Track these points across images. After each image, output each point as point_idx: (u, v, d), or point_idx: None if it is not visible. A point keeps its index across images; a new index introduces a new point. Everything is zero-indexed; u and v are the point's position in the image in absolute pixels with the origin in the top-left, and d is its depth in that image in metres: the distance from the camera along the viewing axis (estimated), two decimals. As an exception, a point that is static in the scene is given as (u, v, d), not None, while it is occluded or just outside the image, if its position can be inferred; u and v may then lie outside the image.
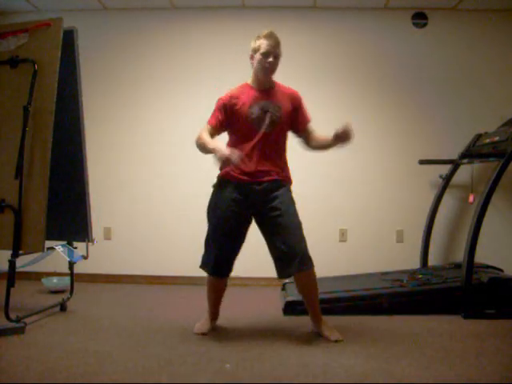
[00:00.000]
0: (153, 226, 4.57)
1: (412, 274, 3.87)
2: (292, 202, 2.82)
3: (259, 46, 2.74)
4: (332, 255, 4.41)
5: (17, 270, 2.87)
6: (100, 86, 4.55)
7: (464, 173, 4.34)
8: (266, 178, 2.77)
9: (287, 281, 3.79)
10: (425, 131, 4.50)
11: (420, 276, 3.76)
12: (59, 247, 3.27)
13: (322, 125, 4.56)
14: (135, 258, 4.56)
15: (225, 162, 2.59)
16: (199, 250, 4.45)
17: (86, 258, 3.39)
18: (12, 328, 2.80)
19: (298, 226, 2.76)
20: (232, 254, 2.86)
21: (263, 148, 2.77)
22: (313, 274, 2.79)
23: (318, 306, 2.87)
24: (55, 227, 3.17)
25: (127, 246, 4.57)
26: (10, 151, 2.96)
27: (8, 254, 2.87)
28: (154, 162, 4.61)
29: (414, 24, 4.56)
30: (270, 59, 2.72)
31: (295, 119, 2.88)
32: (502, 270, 3.93)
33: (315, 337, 2.83)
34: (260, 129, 2.76)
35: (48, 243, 3.04)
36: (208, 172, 4.52)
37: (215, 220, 2.83)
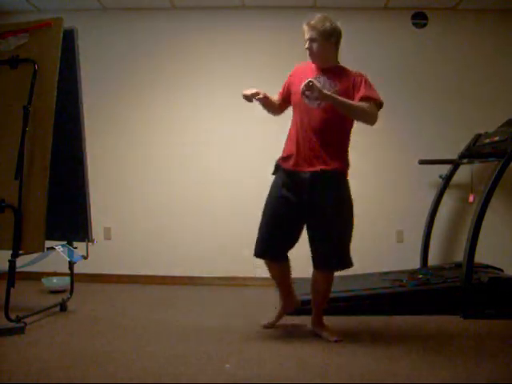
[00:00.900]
0: (153, 226, 4.57)
1: (412, 273, 3.87)
2: (338, 201, 2.72)
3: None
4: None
5: (17, 270, 2.87)
6: (100, 86, 4.55)
7: (464, 173, 4.34)
8: (312, 167, 2.69)
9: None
10: (425, 131, 4.49)
11: (420, 276, 3.76)
12: (59, 247, 3.27)
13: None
14: (135, 258, 4.55)
15: (248, 97, 2.69)
16: (199, 250, 4.48)
17: (86, 257, 3.39)
18: (12, 328, 2.80)
19: (339, 223, 2.71)
20: (280, 238, 2.79)
21: (315, 128, 2.69)
22: (330, 278, 2.80)
23: (322, 309, 2.89)
24: (55, 227, 3.18)
25: (127, 246, 4.56)
26: (10, 151, 2.96)
27: (8, 254, 2.87)
28: (154, 162, 4.60)
29: (413, 24, 4.56)
30: (306, 45, 2.77)
31: (352, 97, 2.72)
32: (501, 270, 3.93)
33: (315, 337, 2.83)
34: (311, 104, 2.71)
35: (48, 243, 3.05)
36: (208, 172, 4.57)
37: (266, 203, 2.83)
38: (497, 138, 3.72)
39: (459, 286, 3.36)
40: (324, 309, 2.91)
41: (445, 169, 4.32)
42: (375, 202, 4.50)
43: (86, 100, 3.44)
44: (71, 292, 3.54)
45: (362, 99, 2.68)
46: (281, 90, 2.93)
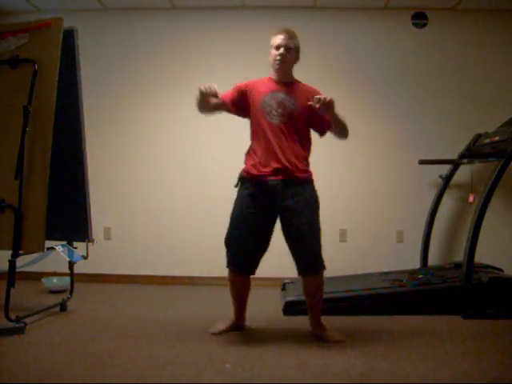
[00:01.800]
0: (153, 226, 4.57)
1: (412, 273, 3.87)
2: (309, 202, 2.78)
3: (273, 42, 2.81)
4: (332, 255, 4.39)
5: (17, 270, 2.87)
6: (100, 86, 4.55)
7: (464, 173, 4.34)
8: (281, 175, 2.73)
9: (287, 281, 3.80)
10: (425, 131, 4.50)
11: (420, 276, 3.76)
12: (59, 247, 3.27)
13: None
14: (135, 258, 4.55)
15: (203, 92, 2.62)
16: (199, 250, 4.48)
17: (86, 258, 3.39)
18: (12, 328, 2.81)
19: (309, 228, 2.73)
20: (253, 251, 2.81)
21: (278, 141, 2.74)
22: (318, 279, 2.80)
23: (318, 311, 2.87)
24: (55, 227, 3.18)
25: (127, 245, 4.56)
26: (10, 151, 2.96)
27: (8, 254, 2.87)
28: (154, 162, 4.60)
29: (413, 24, 4.56)
30: (281, 50, 2.76)
31: (313, 119, 2.82)
32: (501, 270, 3.93)
33: (315, 337, 2.83)
34: (273, 119, 2.75)
35: (48, 243, 3.04)
36: (208, 172, 4.57)
37: (233, 217, 2.83)
38: (497, 138, 3.72)
39: (459, 286, 3.36)
40: (322, 309, 2.89)
41: (445, 169, 4.32)
42: (375, 202, 4.51)
43: (86, 100, 3.44)
44: (71, 292, 3.54)
45: (328, 129, 2.85)
46: (230, 91, 2.84)
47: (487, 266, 3.91)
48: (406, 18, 4.55)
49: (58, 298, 3.49)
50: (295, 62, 2.85)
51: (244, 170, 2.84)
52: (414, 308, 3.40)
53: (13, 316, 2.85)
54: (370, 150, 4.53)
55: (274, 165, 2.73)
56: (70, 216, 3.43)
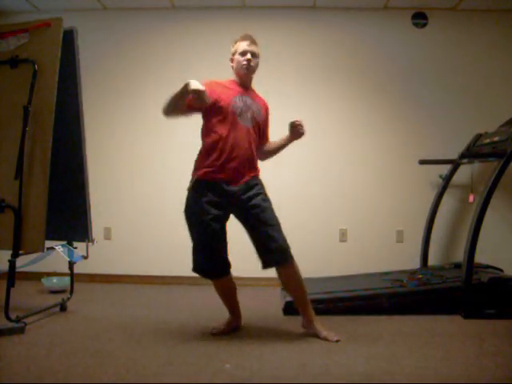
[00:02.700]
0: (153, 226, 4.57)
1: (412, 273, 3.87)
2: (268, 198, 2.86)
3: (237, 48, 2.86)
4: (332, 255, 4.41)
5: (17, 270, 2.87)
6: (100, 86, 4.55)
7: (464, 173, 4.34)
8: (243, 179, 2.78)
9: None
10: (425, 131, 4.50)
11: (420, 276, 3.76)
12: (59, 247, 3.27)
13: (322, 124, 4.58)
14: (135, 258, 4.56)
15: (195, 91, 2.59)
16: (199, 250, 4.47)
17: (86, 258, 3.39)
18: (12, 328, 2.81)
19: (277, 221, 2.80)
20: (223, 252, 2.84)
21: (244, 143, 2.78)
22: (294, 268, 2.79)
23: (308, 303, 2.85)
24: (55, 227, 3.17)
25: (127, 246, 4.57)
26: (10, 151, 2.96)
27: (8, 254, 2.87)
28: (154, 162, 4.61)
29: (413, 24, 4.56)
30: (248, 56, 2.81)
31: (263, 129, 2.97)
32: (501, 270, 3.93)
33: (315, 337, 2.82)
34: (243, 121, 2.78)
35: (48, 243, 3.04)
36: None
37: (198, 225, 2.78)
38: (497, 138, 3.72)
39: (459, 286, 3.36)
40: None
41: (445, 169, 4.32)
42: (375, 201, 4.51)
43: (86, 100, 3.44)
44: (71, 292, 3.55)
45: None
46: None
47: (487, 266, 3.92)
48: (406, 18, 4.56)
49: (58, 298, 3.49)
50: (256, 70, 2.91)
51: (203, 173, 2.79)
52: (414, 308, 3.40)
53: (13, 316, 2.85)
54: (370, 149, 4.53)
55: (241, 167, 2.76)
56: (70, 216, 3.44)
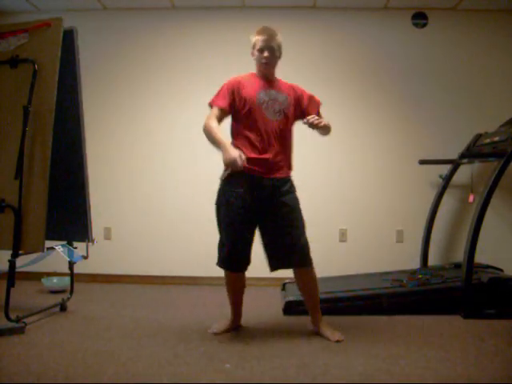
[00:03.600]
0: (153, 226, 4.57)
1: (412, 274, 3.87)
2: (298, 198, 2.84)
3: (255, 43, 2.83)
4: (332, 255, 4.41)
5: (17, 270, 2.87)
6: (100, 86, 4.55)
7: (464, 173, 4.34)
8: (277, 174, 2.77)
9: (287, 281, 3.79)
10: (425, 131, 4.50)
11: (420, 276, 3.76)
12: (59, 247, 3.27)
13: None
14: (135, 258, 4.56)
15: (232, 165, 2.53)
16: (199, 249, 4.47)
17: (86, 258, 3.39)
18: (12, 328, 2.81)
19: (304, 222, 2.81)
20: (248, 248, 2.81)
21: (275, 138, 2.76)
22: (314, 272, 2.84)
23: (318, 305, 2.90)
24: (55, 227, 3.18)
25: (127, 246, 4.57)
26: (10, 151, 2.96)
27: (8, 254, 2.87)
28: (154, 162, 4.60)
29: (413, 24, 4.56)
30: (266, 54, 2.79)
31: (302, 107, 2.89)
32: (501, 270, 3.93)
33: (315, 337, 2.83)
34: (270, 116, 2.76)
35: (48, 243, 3.04)
36: (208, 172, 4.56)
37: (227, 216, 2.76)
38: (497, 138, 3.72)
39: (459, 286, 3.36)
40: (322, 309, 2.91)
41: (445, 169, 4.32)
42: (375, 201, 4.51)
43: (86, 100, 3.44)
44: (71, 292, 3.55)
45: (318, 112, 2.91)
46: (227, 99, 2.77)
47: (487, 266, 3.92)
48: (406, 18, 4.56)
49: (58, 298, 3.49)
50: (279, 59, 2.89)
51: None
52: (414, 308, 3.40)
53: (13, 316, 2.85)
54: (369, 149, 4.53)
55: (273, 159, 2.74)
56: (70, 216, 3.43)
